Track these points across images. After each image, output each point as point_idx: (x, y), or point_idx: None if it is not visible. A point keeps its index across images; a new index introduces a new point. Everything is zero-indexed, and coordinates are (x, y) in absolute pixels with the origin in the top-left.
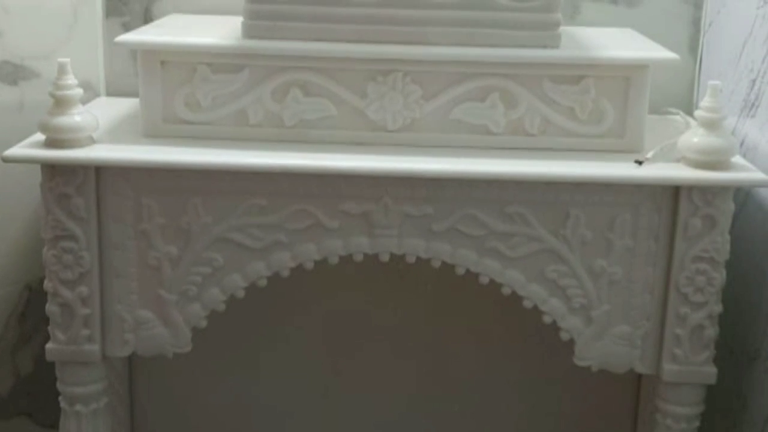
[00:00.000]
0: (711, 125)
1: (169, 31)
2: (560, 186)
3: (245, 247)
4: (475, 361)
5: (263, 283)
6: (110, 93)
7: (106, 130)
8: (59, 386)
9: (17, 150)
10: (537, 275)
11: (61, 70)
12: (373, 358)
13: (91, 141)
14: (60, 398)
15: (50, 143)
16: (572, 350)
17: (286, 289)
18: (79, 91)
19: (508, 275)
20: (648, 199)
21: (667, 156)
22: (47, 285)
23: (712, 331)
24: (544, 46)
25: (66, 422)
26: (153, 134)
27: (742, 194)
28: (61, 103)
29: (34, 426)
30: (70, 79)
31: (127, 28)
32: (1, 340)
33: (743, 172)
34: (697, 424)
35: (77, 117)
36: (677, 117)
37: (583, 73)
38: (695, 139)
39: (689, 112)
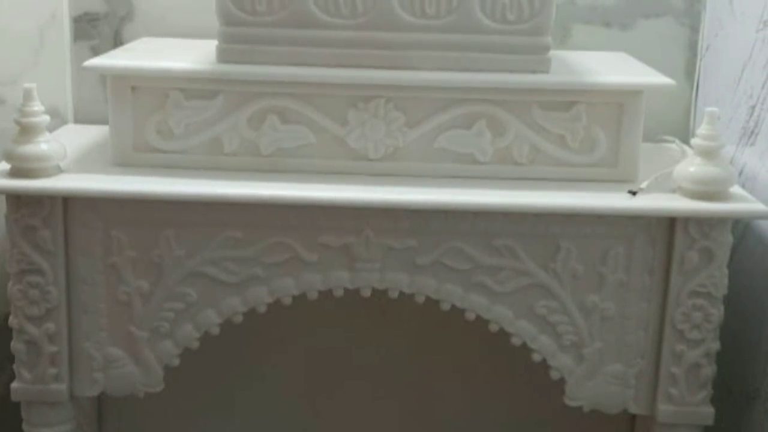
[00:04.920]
0: (708, 154)
1: (140, 55)
2: (550, 218)
3: (220, 282)
4: (461, 401)
5: (239, 319)
6: (78, 120)
7: (74, 159)
8: (25, 427)
9: None
10: (526, 311)
11: (27, 96)
12: (354, 398)
13: (59, 170)
14: None
15: (15, 173)
16: (563, 390)
17: (262, 325)
18: (46, 118)
19: (496, 311)
20: (642, 232)
21: (663, 186)
22: (12, 321)
23: (709, 370)
24: (534, 71)
25: None
26: (123, 163)
27: (740, 226)
28: (26, 131)
29: None
30: (37, 106)
31: (96, 52)
32: None
33: (742, 203)
34: None
35: (44, 145)
36: (673, 145)
37: (574, 99)
38: (692, 169)
39: (685, 140)
